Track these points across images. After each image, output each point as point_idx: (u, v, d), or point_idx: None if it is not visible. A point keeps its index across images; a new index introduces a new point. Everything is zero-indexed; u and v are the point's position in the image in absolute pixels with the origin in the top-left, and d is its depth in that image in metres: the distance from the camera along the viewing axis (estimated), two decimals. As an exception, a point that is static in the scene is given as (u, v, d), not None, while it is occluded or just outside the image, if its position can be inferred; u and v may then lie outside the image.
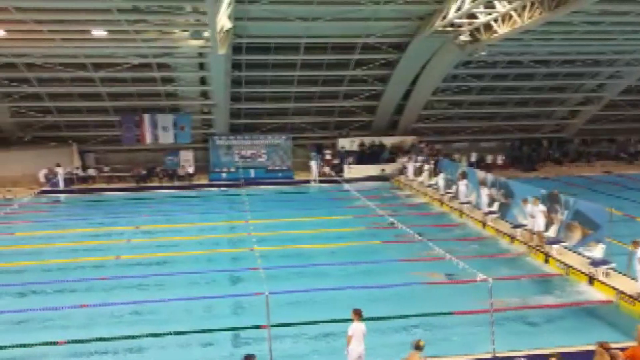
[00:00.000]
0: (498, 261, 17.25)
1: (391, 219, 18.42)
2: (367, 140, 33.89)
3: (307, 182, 31.21)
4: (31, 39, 21.45)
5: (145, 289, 15.04)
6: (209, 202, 27.86)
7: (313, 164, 31.42)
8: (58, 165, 29.72)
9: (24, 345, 11.57)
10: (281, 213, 23.73)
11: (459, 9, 21.41)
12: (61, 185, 29.63)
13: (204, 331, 12.23)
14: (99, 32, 20.59)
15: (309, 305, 13.66)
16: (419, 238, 16.31)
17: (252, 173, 32.02)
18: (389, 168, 32.83)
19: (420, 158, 30.97)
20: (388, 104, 32.62)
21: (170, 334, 12.04)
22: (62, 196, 29.08)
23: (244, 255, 17.66)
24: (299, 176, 32.53)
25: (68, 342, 11.72)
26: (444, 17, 22.92)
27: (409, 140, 34.28)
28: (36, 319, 13.11)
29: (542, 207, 17.30)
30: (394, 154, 33.53)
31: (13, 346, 11.53)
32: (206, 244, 19.46)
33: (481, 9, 21.83)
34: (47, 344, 11.65)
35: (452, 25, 24.27)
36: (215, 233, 21.21)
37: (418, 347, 9.03)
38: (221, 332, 12.25)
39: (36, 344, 11.61)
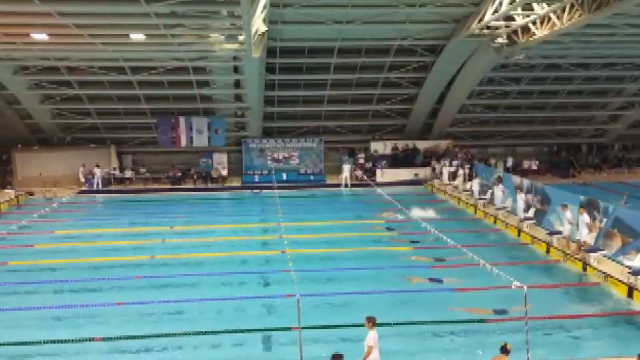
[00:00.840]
0: (534, 268, 16.87)
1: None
2: (401, 144, 33.66)
3: (339, 185, 31.14)
4: (72, 42, 22.01)
5: (178, 289, 15.22)
6: (241, 205, 28.12)
7: (345, 168, 31.37)
8: (97, 166, 30.46)
9: (61, 341, 11.86)
10: (313, 216, 23.77)
11: (495, 11, 21.08)
12: (99, 186, 30.35)
13: (235, 331, 12.31)
14: (137, 36, 20.98)
15: (339, 309, 13.60)
16: (452, 243, 16.09)
17: (284, 176, 32.17)
18: (422, 172, 32.53)
19: (454, 162, 30.60)
20: (422, 108, 32.34)
21: (203, 333, 12.18)
22: (100, 196, 29.76)
23: (275, 257, 17.74)
24: (331, 180, 32.52)
25: (103, 338, 11.96)
26: (480, 20, 22.60)
27: (443, 144, 33.92)
28: (72, 315, 13.44)
29: (587, 218, 16.81)
30: (428, 158, 33.22)
31: (50, 342, 11.82)
32: (238, 246, 19.61)
33: (519, 11, 21.43)
34: (83, 340, 11.92)
35: (488, 27, 23.89)
36: (248, 235, 21.38)
37: (505, 351, 8.79)
38: (252, 332, 12.31)
39: (72, 340, 11.89)
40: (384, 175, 32.04)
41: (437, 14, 23.91)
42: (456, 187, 28.45)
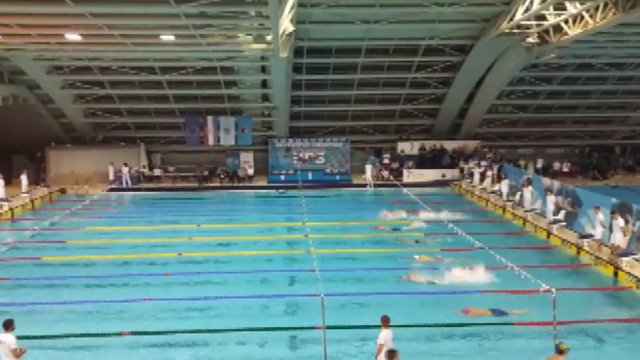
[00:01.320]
0: (563, 272, 16.53)
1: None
2: (428, 144, 33.40)
3: (366, 185, 31.00)
4: (104, 43, 22.46)
5: (205, 286, 15.41)
6: (267, 204, 28.28)
7: (368, 168, 31.23)
8: (125, 165, 31.02)
9: (90, 335, 12.11)
10: (338, 216, 23.75)
11: (526, 10, 20.72)
12: (129, 184, 30.89)
13: (259, 329, 12.39)
14: (167, 37, 21.29)
15: (363, 309, 13.55)
16: (479, 245, 15.89)
17: (310, 175, 32.22)
18: (449, 173, 32.22)
19: (483, 163, 30.22)
20: (450, 108, 32.04)
21: (228, 330, 12.30)
22: (130, 194, 30.26)
23: (300, 256, 17.80)
24: (357, 180, 32.45)
25: (132, 333, 12.16)
26: (511, 19, 22.26)
27: (471, 144, 33.53)
28: (102, 310, 13.70)
29: (621, 222, 16.41)
30: (455, 158, 32.88)
31: (80, 335, 12.07)
32: (264, 245, 19.74)
33: (551, 10, 21.05)
34: (112, 334, 12.14)
35: (519, 27, 23.52)
36: (273, 234, 21.51)
37: (560, 351, 8.68)
38: (277, 331, 12.36)
39: (102, 334, 12.13)
40: (411, 175, 31.85)
41: (466, 13, 23.66)
42: (484, 189, 28.09)
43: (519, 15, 21.42)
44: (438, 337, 12.01)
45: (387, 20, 23.88)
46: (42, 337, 11.90)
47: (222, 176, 32.41)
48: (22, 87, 28.20)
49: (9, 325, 9.45)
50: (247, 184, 31.95)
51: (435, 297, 14.22)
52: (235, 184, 31.93)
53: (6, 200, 24.99)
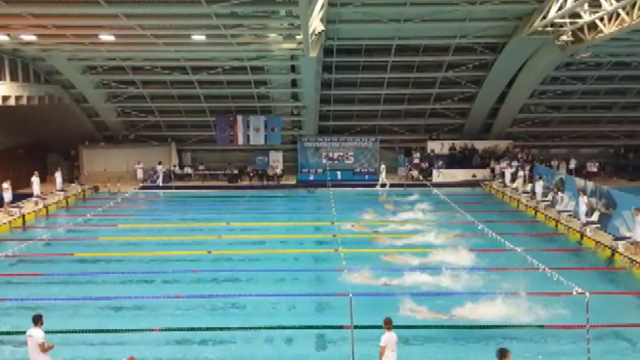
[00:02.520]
0: (597, 275, 16.15)
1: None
2: (458, 143, 33.03)
3: (401, 186, 30.60)
4: (137, 43, 22.86)
5: (234, 284, 15.56)
6: (296, 202, 28.34)
7: (382, 167, 31.04)
8: (159, 163, 31.51)
9: (122, 331, 12.35)
10: (367, 216, 23.66)
11: (560, 8, 20.30)
12: (160, 182, 31.35)
13: (287, 327, 12.41)
14: (198, 37, 21.54)
15: (391, 309, 13.44)
16: (511, 246, 15.62)
17: (339, 175, 32.17)
18: (480, 173, 31.79)
19: (514, 163, 29.73)
20: (481, 107, 31.62)
21: (256, 328, 12.37)
22: (161, 192, 30.73)
23: (328, 255, 17.78)
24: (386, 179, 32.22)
25: (162, 329, 12.32)
26: (544, 17, 21.82)
27: (502, 144, 33.03)
28: (133, 306, 13.96)
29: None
30: (485, 158, 32.43)
31: (112, 331, 12.32)
32: (292, 243, 19.80)
33: (585, 7, 20.56)
34: (143, 330, 12.35)
35: (552, 25, 23.05)
36: (302, 233, 21.52)
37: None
38: (304, 329, 12.36)
39: (133, 330, 12.36)
40: (441, 175, 31.54)
41: (498, 11, 23.31)
42: (516, 189, 27.62)
43: (552, 13, 20.99)
44: (470, 340, 11.85)
45: (418, 18, 23.69)
46: (73, 331, 12.17)
47: (251, 175, 32.65)
48: (58, 87, 28.94)
49: (38, 320, 9.63)
50: (276, 183, 32.11)
51: (465, 296, 14.02)
52: (265, 183, 32.11)
53: (42, 197, 25.67)
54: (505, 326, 12.31)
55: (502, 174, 29.83)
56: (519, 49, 26.03)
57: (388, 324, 9.71)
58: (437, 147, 32.99)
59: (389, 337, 9.58)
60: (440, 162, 32.13)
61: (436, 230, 20.44)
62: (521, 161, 30.37)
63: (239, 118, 31.82)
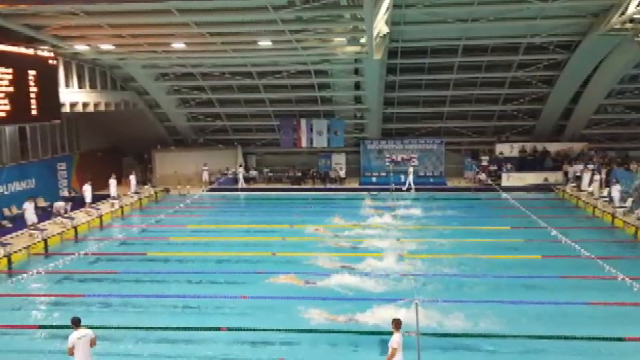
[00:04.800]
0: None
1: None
2: (529, 146, 31.84)
3: (468, 189, 29.77)
4: (206, 50, 23.56)
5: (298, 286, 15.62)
6: (358, 206, 28.16)
7: (410, 170, 30.38)
8: (240, 166, 32.58)
9: (189, 329, 12.66)
10: (432, 220, 23.23)
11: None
12: (241, 184, 32.01)
13: (351, 332, 12.35)
14: (264, 42, 21.93)
15: (456, 317, 13.13)
16: (586, 254, 14.88)
17: (403, 178, 31.80)
18: (552, 177, 30.50)
19: (589, 167, 28.33)
20: (554, 108, 30.37)
21: (320, 331, 12.39)
22: (227, 194, 31.42)
23: (392, 260, 17.54)
24: (452, 182, 31.60)
25: (229, 329, 12.55)
26: (622, 13, 20.67)
27: (576, 147, 31.56)
28: (200, 305, 14.30)
29: None
30: (557, 161, 31.08)
31: (179, 328, 12.67)
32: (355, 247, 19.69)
33: (669, 0, 19.34)
34: (210, 329, 12.62)
35: (631, 21, 21.80)
36: (365, 237, 21.33)
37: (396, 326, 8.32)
38: (367, 335, 12.23)
39: (200, 328, 12.67)
40: (510, 179, 30.50)
41: (572, 9, 22.33)
42: (591, 194, 26.30)
43: (631, 9, 19.88)
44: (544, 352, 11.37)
45: (486, 18, 23.07)
46: (140, 328, 12.62)
47: (314, 177, 32.84)
48: (132, 93, 30.31)
49: (77, 323, 9.85)
50: (339, 186, 32.14)
51: (535, 307, 13.46)
52: (327, 186, 32.22)
53: (118, 198, 26.96)
54: (577, 338, 11.73)
55: (577, 178, 28.46)
56: (595, 47, 24.80)
57: (397, 325, 9.61)
58: (506, 149, 31.95)
59: (397, 339, 9.48)
60: (509, 165, 31.09)
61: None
62: (597, 164, 28.89)
63: (303, 121, 32.14)
